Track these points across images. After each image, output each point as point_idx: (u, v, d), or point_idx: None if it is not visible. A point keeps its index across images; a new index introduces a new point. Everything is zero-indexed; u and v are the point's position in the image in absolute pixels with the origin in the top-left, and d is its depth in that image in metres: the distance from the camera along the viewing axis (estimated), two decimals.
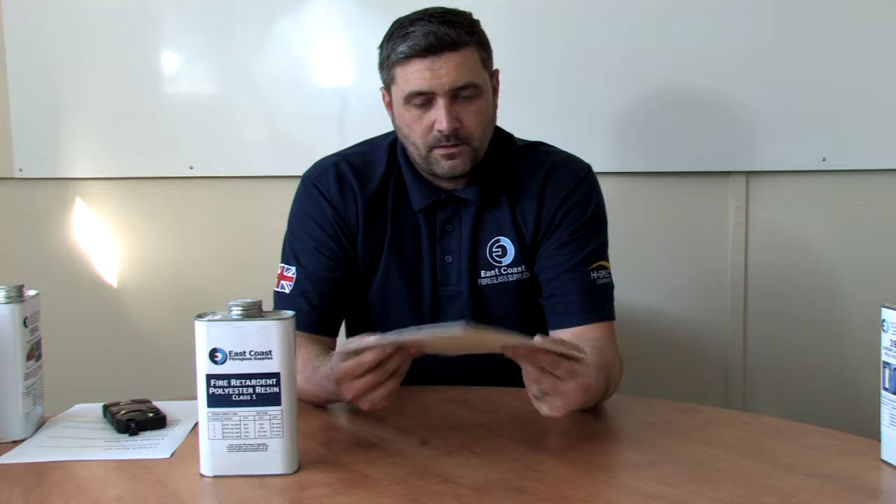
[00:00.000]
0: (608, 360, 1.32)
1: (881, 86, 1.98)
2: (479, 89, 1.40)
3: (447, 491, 1.01)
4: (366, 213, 1.47)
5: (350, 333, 1.62)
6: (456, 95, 1.38)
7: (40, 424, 1.27)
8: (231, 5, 2.06)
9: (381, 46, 1.44)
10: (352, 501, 0.99)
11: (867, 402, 1.31)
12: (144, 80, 2.08)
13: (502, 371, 1.29)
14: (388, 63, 1.41)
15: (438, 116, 1.38)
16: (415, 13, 1.40)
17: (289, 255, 1.47)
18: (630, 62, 1.99)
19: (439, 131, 1.38)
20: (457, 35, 1.37)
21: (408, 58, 1.37)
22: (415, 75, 1.37)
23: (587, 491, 1.01)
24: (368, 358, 1.10)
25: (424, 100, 1.38)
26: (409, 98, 1.39)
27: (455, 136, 1.39)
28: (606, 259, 1.47)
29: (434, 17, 1.38)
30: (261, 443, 1.05)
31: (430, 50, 1.35)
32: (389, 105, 1.47)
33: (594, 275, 1.43)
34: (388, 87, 1.45)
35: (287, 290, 1.44)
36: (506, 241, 1.47)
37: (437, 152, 1.41)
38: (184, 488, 1.04)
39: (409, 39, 1.37)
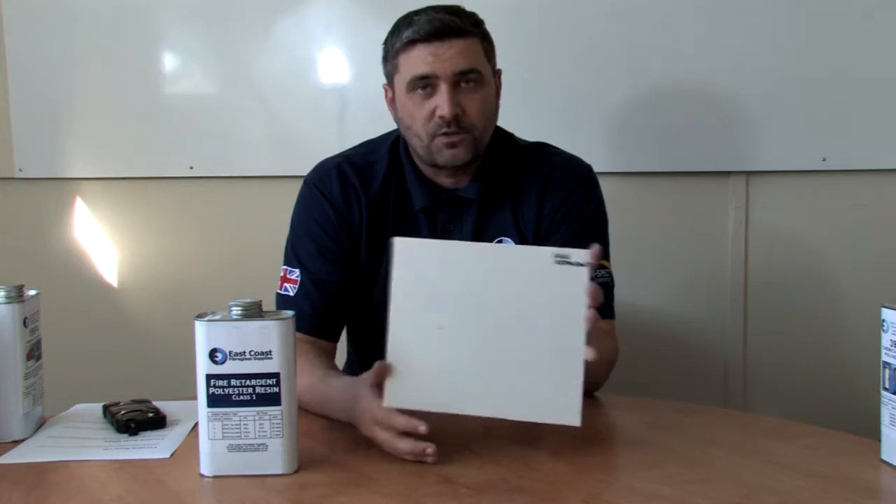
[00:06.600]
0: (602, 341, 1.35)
1: (881, 86, 1.98)
2: (481, 76, 1.40)
3: (447, 491, 1.01)
4: (369, 214, 1.47)
5: (353, 335, 1.61)
6: (458, 83, 1.39)
7: (40, 424, 1.27)
8: (231, 5, 2.06)
9: (386, 41, 1.45)
10: (352, 501, 0.99)
11: (867, 402, 1.31)
12: (144, 81, 2.08)
13: None
14: (392, 53, 1.42)
15: (441, 102, 1.38)
16: (420, 8, 1.42)
17: (291, 258, 1.47)
18: (630, 62, 1.99)
19: (441, 117, 1.38)
20: (462, 23, 1.39)
21: (412, 42, 1.38)
22: (418, 60, 1.38)
23: (587, 491, 1.01)
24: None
25: (427, 84, 1.39)
26: (412, 83, 1.39)
27: (457, 124, 1.39)
28: (606, 258, 1.47)
29: (440, 9, 1.40)
30: (261, 443, 1.05)
31: (434, 34, 1.37)
32: (392, 102, 1.47)
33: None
34: (390, 81, 1.45)
35: (290, 293, 1.44)
36: (509, 241, 1.47)
37: (440, 140, 1.40)
38: (184, 488, 1.04)
39: (413, 26, 1.38)
